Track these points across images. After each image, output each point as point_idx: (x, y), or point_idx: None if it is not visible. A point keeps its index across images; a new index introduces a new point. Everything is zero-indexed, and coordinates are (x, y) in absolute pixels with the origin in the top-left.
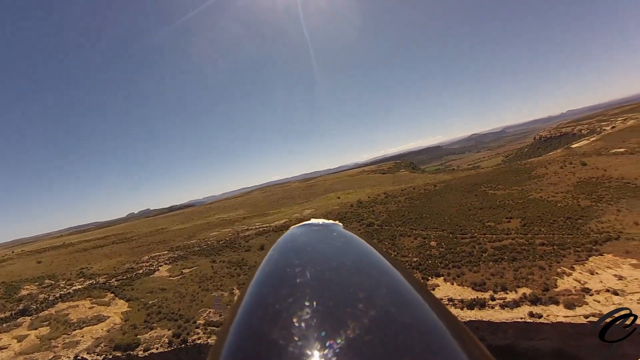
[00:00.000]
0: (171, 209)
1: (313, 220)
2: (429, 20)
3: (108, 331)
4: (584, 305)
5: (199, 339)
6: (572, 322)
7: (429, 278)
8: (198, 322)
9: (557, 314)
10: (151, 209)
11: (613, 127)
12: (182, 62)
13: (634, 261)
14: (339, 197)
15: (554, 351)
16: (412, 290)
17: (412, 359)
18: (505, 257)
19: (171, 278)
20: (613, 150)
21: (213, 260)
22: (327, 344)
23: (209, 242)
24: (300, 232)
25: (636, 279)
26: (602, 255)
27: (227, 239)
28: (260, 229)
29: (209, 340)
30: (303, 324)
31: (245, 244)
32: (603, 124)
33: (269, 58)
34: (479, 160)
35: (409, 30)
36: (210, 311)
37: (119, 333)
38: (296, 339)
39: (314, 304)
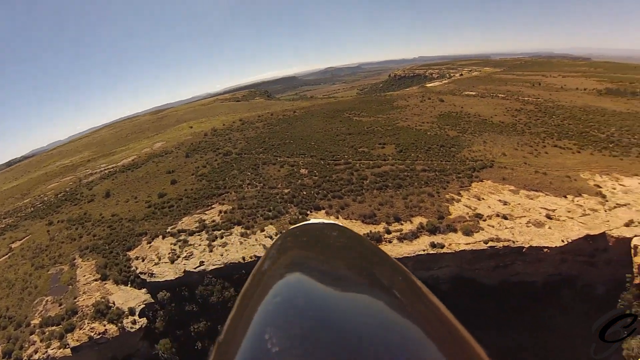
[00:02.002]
0: (9, 164)
1: (313, 220)
2: None
3: None
4: (481, 231)
5: (35, 351)
6: (473, 248)
7: (308, 212)
8: (33, 323)
9: (457, 241)
10: None
11: (461, 75)
12: None
13: (512, 187)
14: (191, 127)
15: (453, 277)
16: (413, 300)
17: None
18: (390, 185)
19: None
20: (465, 92)
21: (49, 222)
22: None
23: (45, 199)
24: (296, 236)
25: (519, 204)
26: (482, 181)
27: (68, 189)
28: (106, 171)
29: (49, 351)
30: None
31: (89, 193)
32: (451, 71)
33: None
34: (335, 92)
35: None
36: (46, 300)
37: None
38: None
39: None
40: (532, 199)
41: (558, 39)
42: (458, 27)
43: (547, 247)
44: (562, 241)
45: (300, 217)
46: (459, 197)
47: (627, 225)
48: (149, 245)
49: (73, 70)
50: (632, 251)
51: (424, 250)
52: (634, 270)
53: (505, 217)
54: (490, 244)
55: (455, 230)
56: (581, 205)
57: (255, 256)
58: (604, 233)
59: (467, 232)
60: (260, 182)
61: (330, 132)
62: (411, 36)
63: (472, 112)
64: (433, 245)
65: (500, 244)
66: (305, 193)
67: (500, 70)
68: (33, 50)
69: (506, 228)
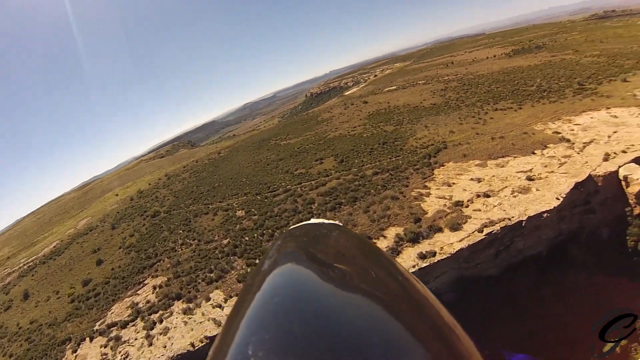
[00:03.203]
0: None
1: (313, 220)
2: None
3: None
4: (469, 220)
5: None
6: (469, 243)
7: (257, 260)
8: None
9: (449, 241)
10: None
11: (376, 76)
12: None
13: (477, 161)
14: (117, 195)
15: (454, 283)
16: (412, 296)
17: None
18: (343, 201)
19: None
20: (386, 89)
21: None
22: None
23: None
24: (296, 237)
25: (493, 176)
26: (443, 165)
27: None
28: (26, 267)
29: None
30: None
31: (5, 299)
32: (365, 75)
33: None
34: (257, 126)
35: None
36: None
37: None
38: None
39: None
40: (503, 166)
41: (451, 26)
42: (357, 35)
43: (546, 212)
44: (557, 199)
45: (248, 269)
46: (428, 191)
47: (605, 159)
48: (74, 355)
49: None
50: (623, 183)
51: (414, 267)
52: (631, 201)
53: (487, 195)
54: (486, 230)
55: (440, 230)
56: (553, 156)
57: (207, 337)
58: (589, 175)
59: (455, 227)
60: (194, 238)
61: (260, 162)
62: (317, 53)
63: (400, 104)
64: (422, 256)
65: (497, 227)
66: (247, 239)
67: (410, 62)
68: None
69: (494, 207)
